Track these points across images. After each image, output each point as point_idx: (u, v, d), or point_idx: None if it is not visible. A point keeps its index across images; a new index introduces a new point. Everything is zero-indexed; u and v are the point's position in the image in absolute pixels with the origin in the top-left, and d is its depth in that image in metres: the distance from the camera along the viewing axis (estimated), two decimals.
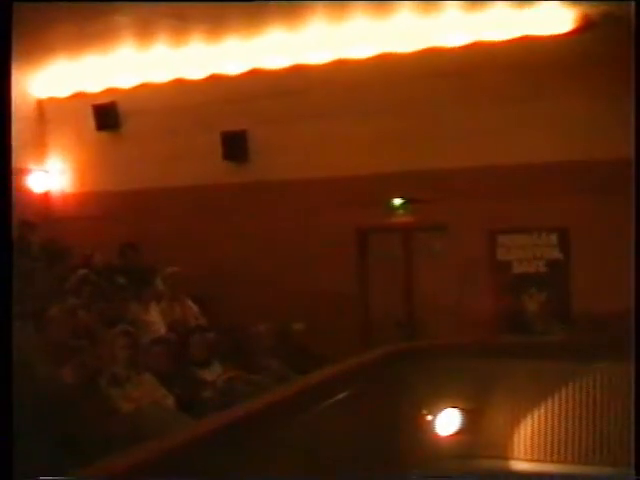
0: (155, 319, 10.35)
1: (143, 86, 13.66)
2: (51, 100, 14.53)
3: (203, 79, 13.14)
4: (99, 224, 13.29)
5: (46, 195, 14.54)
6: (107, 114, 13.86)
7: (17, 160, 13.72)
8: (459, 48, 11.48)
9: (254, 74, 12.69)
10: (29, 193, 14.27)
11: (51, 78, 14.18)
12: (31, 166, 14.38)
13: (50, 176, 14.54)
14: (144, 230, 12.55)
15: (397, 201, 11.66)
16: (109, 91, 13.94)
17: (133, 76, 13.68)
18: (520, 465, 8.64)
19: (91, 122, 13.97)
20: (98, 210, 13.68)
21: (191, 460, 4.99)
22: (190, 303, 11.18)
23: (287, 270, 12.23)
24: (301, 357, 10.09)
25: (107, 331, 8.91)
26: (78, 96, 14.23)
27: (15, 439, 5.94)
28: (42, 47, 12.53)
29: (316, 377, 7.41)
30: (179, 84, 13.33)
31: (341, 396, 7.13)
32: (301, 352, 10.35)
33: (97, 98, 13.97)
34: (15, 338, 7.75)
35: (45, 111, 14.61)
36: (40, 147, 14.57)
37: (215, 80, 13.01)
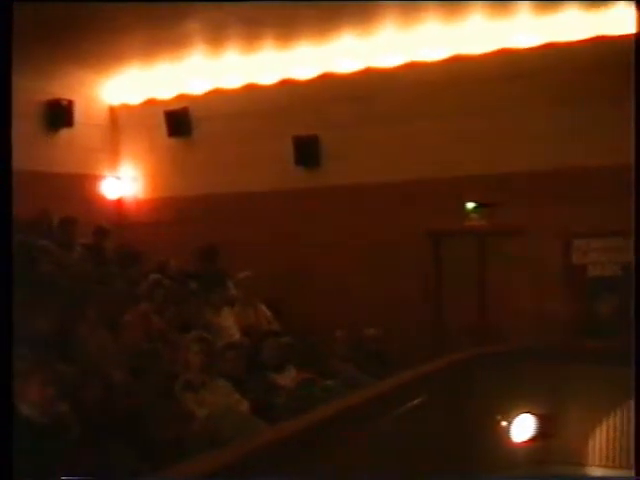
0: (229, 324, 10.36)
1: (215, 92, 13.73)
2: (123, 107, 14.67)
3: (275, 84, 13.16)
4: (172, 229, 13.41)
5: (119, 201, 14.67)
6: (179, 120, 13.95)
7: (90, 167, 14.03)
8: (532, 49, 11.33)
9: (326, 78, 12.68)
10: (102, 199, 14.42)
11: (123, 85, 14.30)
12: (104, 173, 14.52)
13: (123, 182, 14.68)
14: (216, 235, 12.56)
15: (470, 205, 11.54)
16: (181, 97, 14.04)
17: (205, 82, 13.75)
18: (595, 471, 8.51)
19: (163, 128, 14.07)
20: (171, 216, 13.78)
21: (266, 465, 4.97)
22: (263, 307, 11.19)
23: (359, 275, 12.17)
24: (374, 362, 10.03)
25: (181, 336, 8.93)
26: (150, 103, 14.37)
27: (93, 444, 5.98)
28: (114, 54, 12.61)
29: (390, 383, 7.37)
30: (251, 89, 13.36)
31: (415, 402, 7.07)
32: (374, 357, 10.29)
33: (169, 104, 14.08)
34: (90, 343, 7.86)
35: (117, 118, 14.76)
36: (113, 154, 14.72)
37: (287, 85, 13.02)
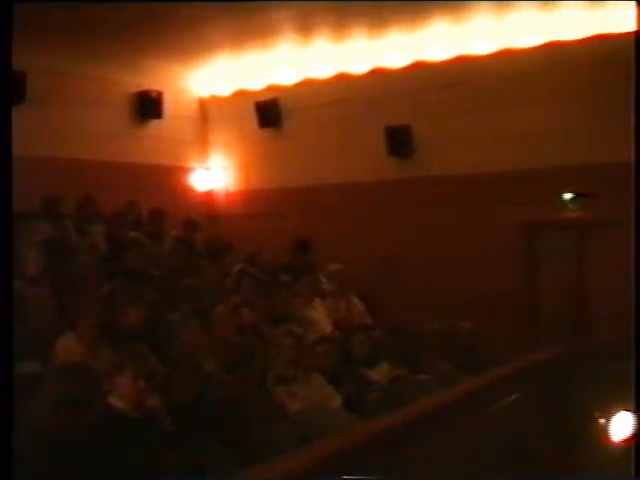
0: (320, 317, 10.25)
1: (305, 82, 13.67)
2: (213, 98, 14.72)
3: (366, 73, 13.04)
4: (263, 222, 13.38)
5: (209, 193, 14.70)
6: (269, 111, 13.92)
7: (179, 158, 14.08)
8: (627, 34, 10.99)
9: (418, 67, 12.50)
10: (192, 191, 14.46)
11: (212, 76, 14.26)
12: (194, 164, 14.57)
13: (213, 174, 14.69)
14: (307, 227, 12.50)
15: (568, 195, 11.23)
16: (271, 88, 14.02)
17: (294, 72, 13.68)
18: None
19: (253, 120, 14.04)
20: (261, 208, 13.75)
21: (360, 461, 4.86)
22: (355, 300, 11.07)
23: (453, 268, 11.96)
24: (468, 357, 9.84)
25: (272, 329, 8.86)
26: (240, 94, 14.40)
27: (186, 438, 5.92)
28: (202, 45, 12.60)
29: (485, 379, 7.25)
30: (341, 79, 13.28)
31: (511, 398, 6.93)
32: (468, 352, 10.10)
33: (259, 95, 14.06)
34: (182, 336, 7.83)
35: (207, 109, 14.81)
36: (202, 145, 14.79)
37: (378, 74, 12.87)
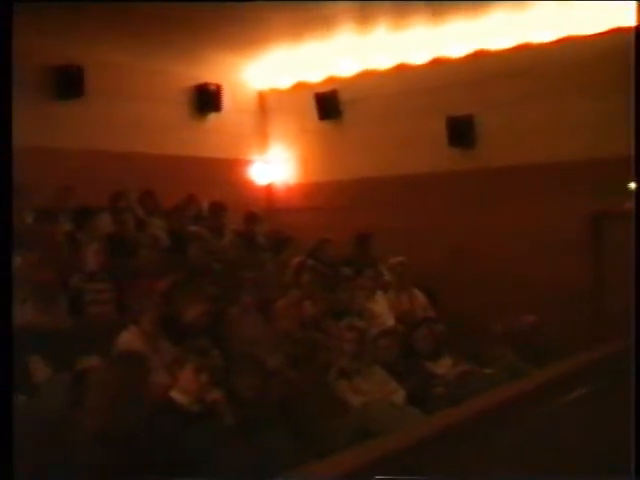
0: (382, 310, 10.18)
1: (365, 73, 13.57)
2: (272, 91, 14.71)
3: (426, 63, 12.87)
4: (323, 215, 13.31)
5: (269, 186, 14.66)
6: (329, 103, 13.85)
7: (238, 151, 14.08)
8: None
9: (479, 56, 12.30)
10: (251, 184, 14.43)
11: (272, 69, 14.26)
12: (253, 157, 14.54)
13: (272, 167, 14.65)
14: (369, 220, 12.41)
15: (634, 185, 10.99)
16: (330, 80, 13.95)
17: (354, 63, 13.58)
18: None
19: (313, 112, 13.97)
20: (321, 200, 13.68)
21: (426, 458, 4.76)
22: (418, 293, 10.96)
23: (517, 260, 11.77)
24: (533, 350, 9.68)
25: (334, 323, 8.79)
26: (299, 86, 14.36)
27: (248, 433, 5.86)
28: (262, 38, 12.59)
29: (552, 372, 7.13)
30: (401, 69, 13.13)
31: (580, 391, 6.80)
32: (532, 345, 9.94)
33: (318, 87, 14.00)
34: (244, 330, 7.78)
35: (266, 102, 14.77)
36: (261, 138, 14.77)
37: (439, 64, 12.70)
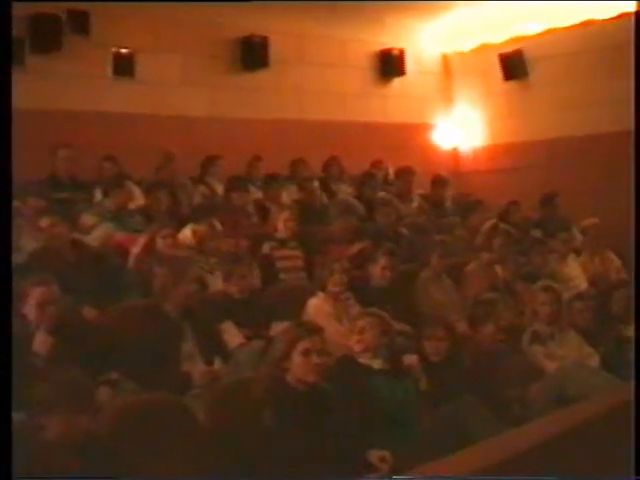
0: (575, 273, 9.92)
1: (549, 31, 13.20)
2: (455, 53, 14.54)
3: (613, 18, 12.40)
4: (511, 176, 13.08)
5: (455, 149, 14.53)
6: (514, 63, 13.58)
7: (423, 115, 14.02)
8: None
9: None
10: (437, 148, 14.34)
11: (454, 31, 14.10)
12: (438, 121, 14.43)
13: (458, 130, 14.50)
14: (558, 180, 12.13)
15: None
16: (514, 40, 13.63)
17: (538, 22, 13.24)
18: None
19: (497, 73, 13.75)
20: (509, 162, 13.42)
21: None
22: (612, 256, 10.61)
23: None
24: None
25: (526, 286, 8.63)
26: (483, 47, 14.09)
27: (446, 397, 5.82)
28: (442, 1, 12.44)
29: None
30: (587, 26, 12.70)
31: None
32: None
33: (502, 48, 13.72)
34: (435, 293, 7.76)
35: (450, 65, 14.63)
36: (446, 101, 14.63)
37: (625, 18, 12.13)
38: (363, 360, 5.86)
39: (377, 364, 5.87)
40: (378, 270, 7.79)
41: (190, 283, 6.32)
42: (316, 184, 10.67)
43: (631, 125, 10.74)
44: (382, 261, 7.81)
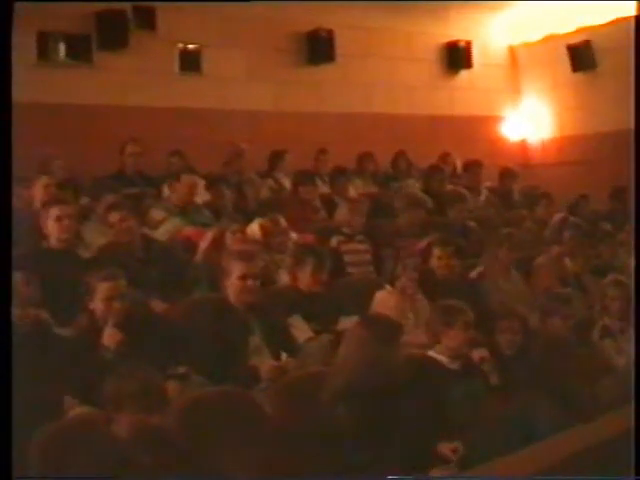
0: None
1: (617, 21, 12.98)
2: (522, 45, 14.43)
3: None
4: (580, 169, 12.91)
5: (523, 142, 14.42)
6: (582, 54, 13.44)
7: (491, 108, 13.93)
8: None
9: None
10: (505, 141, 14.24)
11: (521, 22, 14.03)
12: (506, 113, 14.33)
13: (526, 122, 14.38)
14: (627, 173, 11.94)
15: None
16: (582, 30, 13.47)
17: (605, 12, 13.05)
18: None
19: (565, 64, 13.60)
20: (577, 154, 13.26)
21: None
22: None
23: None
24: None
25: (595, 280, 8.52)
26: (550, 39, 13.94)
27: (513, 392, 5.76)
28: None
29: None
30: None
31: None
32: None
33: (570, 38, 13.56)
34: (504, 287, 7.69)
35: (517, 56, 14.52)
36: (514, 94, 14.53)
37: None
38: (433, 354, 5.83)
39: (449, 359, 5.83)
40: (445, 263, 7.76)
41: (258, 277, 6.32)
42: (383, 178, 10.66)
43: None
44: (449, 254, 7.78)
